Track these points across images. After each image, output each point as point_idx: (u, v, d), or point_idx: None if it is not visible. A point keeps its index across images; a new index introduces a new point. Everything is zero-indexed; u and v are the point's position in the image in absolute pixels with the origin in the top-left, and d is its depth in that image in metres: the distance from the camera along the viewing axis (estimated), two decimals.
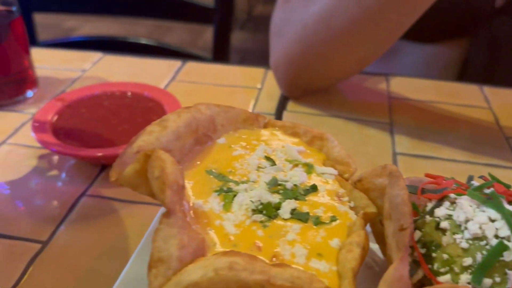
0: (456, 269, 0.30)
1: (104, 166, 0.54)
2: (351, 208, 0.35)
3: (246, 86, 0.72)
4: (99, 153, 0.50)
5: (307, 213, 0.34)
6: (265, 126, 0.44)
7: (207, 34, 3.03)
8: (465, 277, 0.30)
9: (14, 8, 0.65)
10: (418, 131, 0.62)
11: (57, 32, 2.70)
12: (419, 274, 0.31)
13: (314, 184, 0.37)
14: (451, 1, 0.72)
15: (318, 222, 0.33)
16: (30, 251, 0.43)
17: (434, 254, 0.31)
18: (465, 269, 0.30)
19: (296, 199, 0.35)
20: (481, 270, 0.29)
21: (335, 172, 0.38)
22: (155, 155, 0.31)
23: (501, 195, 0.32)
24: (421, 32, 0.79)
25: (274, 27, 0.65)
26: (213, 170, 0.37)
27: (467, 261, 0.30)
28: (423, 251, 0.32)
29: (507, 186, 0.33)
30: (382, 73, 0.75)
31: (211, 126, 0.41)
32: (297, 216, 0.34)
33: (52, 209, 0.48)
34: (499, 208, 0.30)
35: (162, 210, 0.42)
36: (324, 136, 0.42)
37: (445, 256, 0.31)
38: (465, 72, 0.77)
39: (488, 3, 0.73)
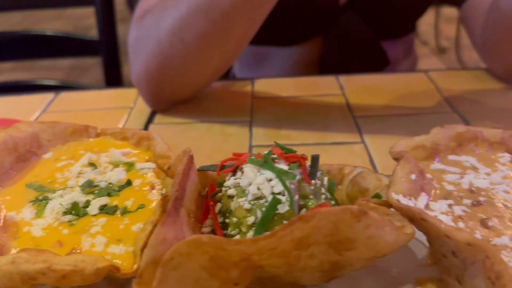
0: (244, 229, 0.33)
1: None
2: (163, 195, 0.38)
3: (118, 107, 0.74)
4: None
5: (116, 206, 0.36)
6: (98, 135, 0.46)
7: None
8: (251, 235, 0.33)
9: None
10: (274, 124, 0.66)
11: None
12: None
13: (129, 179, 0.39)
14: (297, 5, 0.78)
15: (124, 212, 0.36)
16: None
17: (227, 220, 0.34)
18: (250, 227, 0.33)
19: (109, 195, 0.37)
20: (261, 225, 0.32)
21: (152, 165, 0.41)
22: None
23: (279, 158, 0.35)
24: (281, 36, 0.85)
25: (131, 46, 0.68)
26: (33, 183, 0.39)
27: (250, 219, 0.33)
28: (221, 219, 0.35)
29: (288, 150, 0.37)
30: (249, 77, 0.80)
31: (34, 142, 0.42)
32: (105, 210, 0.36)
33: None
34: (272, 168, 0.34)
35: None
36: (150, 135, 0.45)
37: (235, 219, 0.34)
38: (324, 67, 0.84)
39: (333, 2, 0.80)
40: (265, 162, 0.34)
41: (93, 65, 2.73)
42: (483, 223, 0.34)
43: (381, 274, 0.38)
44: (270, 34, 0.85)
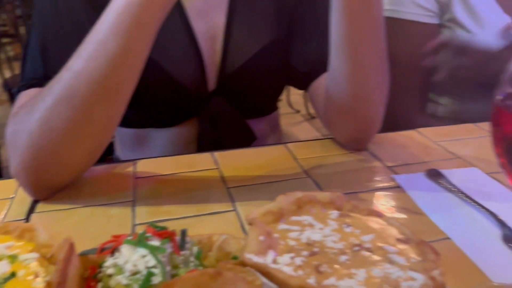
0: None
1: None
2: (47, 282, 0.41)
3: None
4: None
5: None
6: None
7: None
8: None
9: None
10: (156, 201, 0.72)
11: None
12: None
13: (13, 271, 0.42)
14: (170, 91, 0.89)
15: None
16: None
17: None
18: None
19: None
20: None
21: (36, 255, 0.44)
22: None
23: (152, 236, 0.42)
24: (158, 119, 0.94)
25: (7, 141, 0.70)
26: None
27: None
28: None
29: (161, 228, 0.44)
30: (131, 159, 0.86)
31: None
32: None
33: None
34: (146, 246, 0.40)
35: None
36: (32, 227, 0.48)
37: None
38: (201, 145, 0.94)
39: (202, 89, 0.91)
40: (139, 241, 0.41)
41: None
42: (317, 269, 0.44)
43: None
44: (147, 117, 0.93)
